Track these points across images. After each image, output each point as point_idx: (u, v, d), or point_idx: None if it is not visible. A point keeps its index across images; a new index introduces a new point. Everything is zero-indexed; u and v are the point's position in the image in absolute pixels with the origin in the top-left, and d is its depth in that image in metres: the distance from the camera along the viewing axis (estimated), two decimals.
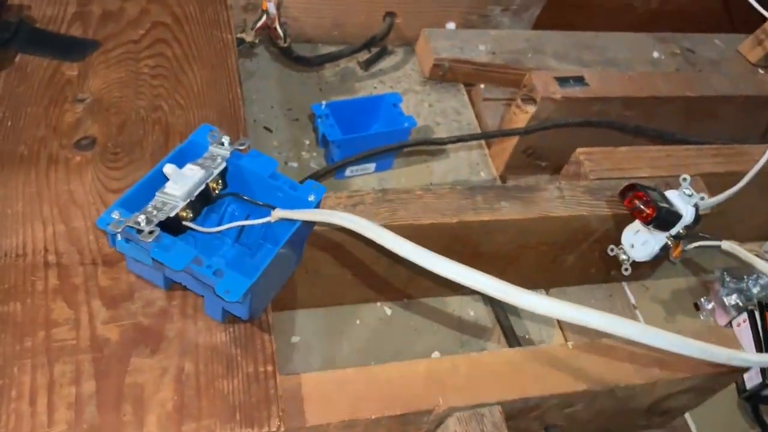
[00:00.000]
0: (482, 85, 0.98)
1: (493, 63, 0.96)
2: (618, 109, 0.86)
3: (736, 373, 0.61)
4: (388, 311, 0.73)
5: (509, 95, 0.98)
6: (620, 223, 0.68)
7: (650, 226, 0.63)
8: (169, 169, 0.45)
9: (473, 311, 0.75)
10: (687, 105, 0.90)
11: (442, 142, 0.77)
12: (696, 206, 0.63)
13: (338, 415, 0.49)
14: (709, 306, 0.81)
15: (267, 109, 0.89)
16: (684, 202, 0.63)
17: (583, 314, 0.49)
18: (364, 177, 0.85)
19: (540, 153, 0.86)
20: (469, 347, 0.73)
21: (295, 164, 0.85)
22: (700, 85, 0.92)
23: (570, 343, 0.57)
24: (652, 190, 0.62)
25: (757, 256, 0.67)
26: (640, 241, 0.66)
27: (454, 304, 0.75)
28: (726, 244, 0.66)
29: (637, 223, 0.66)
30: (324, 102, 0.81)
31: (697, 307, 0.82)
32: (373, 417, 0.49)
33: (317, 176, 0.76)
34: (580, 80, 0.79)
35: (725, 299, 0.80)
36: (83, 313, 0.47)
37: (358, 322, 0.71)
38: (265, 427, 0.45)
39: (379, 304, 0.73)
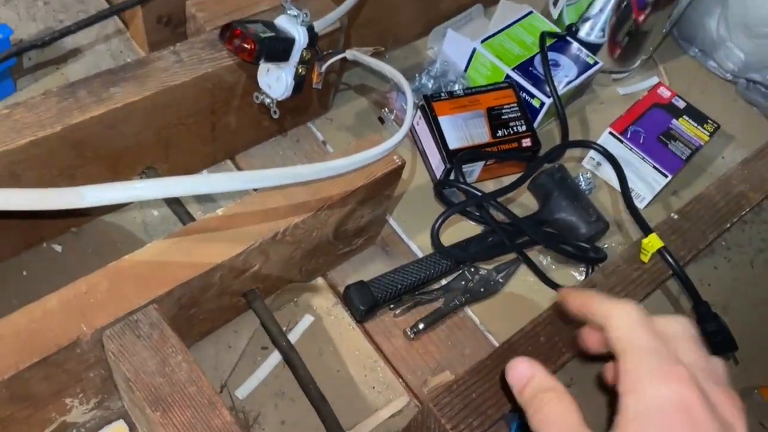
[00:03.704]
0: None
1: None
2: None
3: (395, 173, 0.62)
4: (58, 248, 0.65)
5: None
6: (252, 68, 0.64)
7: (264, 61, 0.59)
8: None
9: (157, 211, 0.70)
10: None
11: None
12: (309, 25, 0.60)
13: None
14: (392, 116, 0.82)
15: None
16: (293, 24, 0.60)
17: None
18: None
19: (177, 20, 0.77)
20: None
21: None
22: None
23: (219, 211, 0.54)
24: (253, 23, 0.58)
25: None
26: (274, 79, 0.63)
27: (135, 213, 0.69)
28: (349, 54, 0.64)
29: (264, 64, 0.63)
30: None
31: (381, 120, 0.83)
32: (6, 377, 0.44)
33: None
34: None
35: (403, 104, 0.82)
36: None
37: (24, 273, 0.63)
38: None
39: (45, 244, 0.65)
